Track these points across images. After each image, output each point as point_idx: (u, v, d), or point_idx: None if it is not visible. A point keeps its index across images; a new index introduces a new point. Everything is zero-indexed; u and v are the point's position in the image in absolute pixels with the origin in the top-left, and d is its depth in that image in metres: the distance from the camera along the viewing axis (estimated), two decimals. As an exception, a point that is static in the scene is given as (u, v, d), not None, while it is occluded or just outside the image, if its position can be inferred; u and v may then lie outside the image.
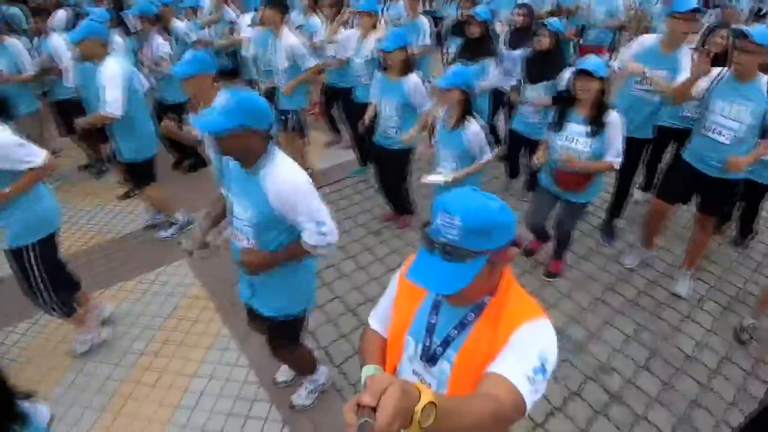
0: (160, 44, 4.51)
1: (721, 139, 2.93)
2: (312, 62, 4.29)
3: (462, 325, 1.28)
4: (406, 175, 4.07)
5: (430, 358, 1.33)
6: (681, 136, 3.56)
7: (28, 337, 3.25)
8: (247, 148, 1.87)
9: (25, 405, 1.19)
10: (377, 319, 1.52)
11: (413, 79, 3.55)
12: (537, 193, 3.52)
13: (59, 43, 4.61)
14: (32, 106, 4.73)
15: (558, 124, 3.07)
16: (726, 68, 2.93)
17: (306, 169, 4.80)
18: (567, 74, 3.77)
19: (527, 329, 1.19)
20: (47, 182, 4.89)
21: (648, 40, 3.41)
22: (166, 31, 4.97)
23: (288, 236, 2.04)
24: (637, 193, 4.55)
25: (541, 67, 3.88)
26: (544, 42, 3.79)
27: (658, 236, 3.79)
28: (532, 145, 4.21)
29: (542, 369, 1.14)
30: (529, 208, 3.64)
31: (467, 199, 1.13)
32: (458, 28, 4.76)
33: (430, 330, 1.33)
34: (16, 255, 2.70)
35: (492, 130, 5.08)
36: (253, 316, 2.41)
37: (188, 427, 2.70)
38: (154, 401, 2.85)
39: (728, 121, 2.88)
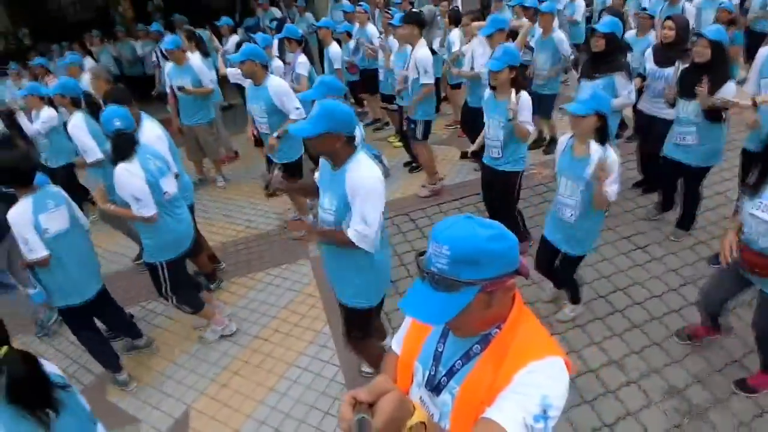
0: (299, 64, 5.01)
1: None
2: (427, 80, 4.42)
3: (467, 357, 1.24)
4: (513, 197, 3.87)
5: (434, 387, 1.30)
6: None
7: (172, 309, 3.89)
8: (333, 149, 2.16)
9: (63, 393, 1.41)
10: (398, 342, 1.52)
11: (522, 97, 3.36)
12: (722, 269, 2.75)
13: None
14: (209, 117, 5.61)
15: (754, 186, 2.34)
16: None
17: (434, 182, 5.04)
18: (730, 90, 3.28)
19: (531, 370, 1.11)
20: (220, 183, 5.80)
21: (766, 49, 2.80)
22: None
23: None
24: None
25: (695, 80, 3.36)
26: (699, 54, 3.33)
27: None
28: (690, 174, 3.76)
29: (544, 416, 1.05)
30: (707, 282, 2.95)
31: (457, 227, 1.10)
32: None
33: (437, 358, 1.31)
34: (151, 267, 3.27)
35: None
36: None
37: (276, 410, 2.99)
38: (255, 381, 3.21)
39: None
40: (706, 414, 2.61)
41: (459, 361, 1.24)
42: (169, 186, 3.14)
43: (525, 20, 5.06)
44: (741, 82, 4.39)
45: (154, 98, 7.41)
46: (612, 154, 2.74)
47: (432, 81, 4.49)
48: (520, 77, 3.45)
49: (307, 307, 3.84)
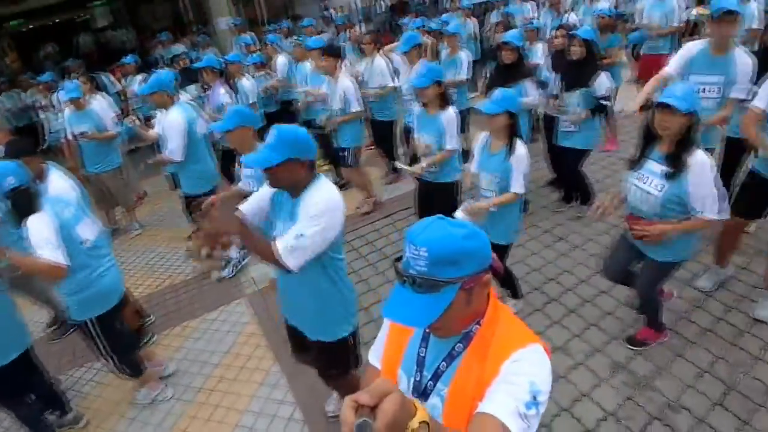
0: (221, 94, 4.91)
1: None
2: (357, 108, 4.61)
3: (451, 357, 1.24)
4: (452, 207, 3.99)
5: (421, 392, 1.29)
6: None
7: (101, 373, 3.54)
8: (296, 178, 1.98)
9: None
10: (376, 355, 1.49)
11: (449, 113, 3.53)
12: (618, 241, 3.02)
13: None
14: (115, 162, 5.27)
15: (636, 161, 2.58)
16: None
17: (371, 198, 5.09)
18: (603, 79, 3.84)
19: (515, 359, 1.14)
20: (135, 231, 5.35)
21: (696, 45, 3.20)
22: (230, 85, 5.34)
23: (321, 265, 2.10)
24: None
25: (575, 74, 3.94)
26: (575, 52, 3.86)
27: (732, 254, 3.43)
28: (572, 155, 4.23)
29: (534, 402, 1.08)
30: (605, 256, 3.18)
31: (432, 229, 1.12)
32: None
33: (420, 363, 1.30)
34: (81, 326, 2.92)
35: None
36: (301, 347, 2.51)
37: (235, 463, 2.78)
38: (206, 436, 2.97)
39: None
40: (652, 383, 2.79)
41: (443, 363, 1.25)
42: (88, 232, 2.81)
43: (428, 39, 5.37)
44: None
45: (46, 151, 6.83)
46: (520, 149, 2.97)
47: (361, 108, 4.67)
48: (447, 93, 3.63)
49: (251, 347, 3.64)
